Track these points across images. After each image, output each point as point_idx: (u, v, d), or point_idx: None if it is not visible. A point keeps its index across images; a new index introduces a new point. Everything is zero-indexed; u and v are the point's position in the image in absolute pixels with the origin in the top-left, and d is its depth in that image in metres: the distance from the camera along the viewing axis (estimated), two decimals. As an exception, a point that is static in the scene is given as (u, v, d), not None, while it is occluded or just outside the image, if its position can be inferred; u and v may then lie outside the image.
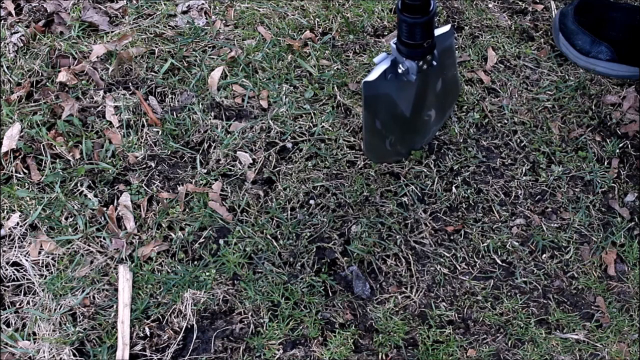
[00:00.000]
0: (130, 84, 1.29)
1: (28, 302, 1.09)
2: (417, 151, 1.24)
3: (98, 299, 1.10)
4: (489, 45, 1.39)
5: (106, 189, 1.18)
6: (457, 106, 1.29)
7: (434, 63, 1.04)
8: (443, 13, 1.42)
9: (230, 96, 1.29)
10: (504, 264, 1.18)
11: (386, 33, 1.39)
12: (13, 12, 1.37)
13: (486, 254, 1.19)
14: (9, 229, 1.14)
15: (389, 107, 1.09)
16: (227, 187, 1.20)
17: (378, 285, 1.15)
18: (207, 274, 1.12)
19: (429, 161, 1.24)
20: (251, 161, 1.22)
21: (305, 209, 1.19)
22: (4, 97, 1.25)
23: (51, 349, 1.05)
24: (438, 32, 1.03)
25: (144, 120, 1.25)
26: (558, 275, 1.19)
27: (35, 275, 1.11)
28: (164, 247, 1.15)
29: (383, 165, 1.23)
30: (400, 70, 1.03)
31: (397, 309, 1.13)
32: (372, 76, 1.02)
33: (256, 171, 1.22)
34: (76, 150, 1.21)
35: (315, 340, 1.10)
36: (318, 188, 1.21)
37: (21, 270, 1.11)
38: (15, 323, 1.08)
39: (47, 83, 1.28)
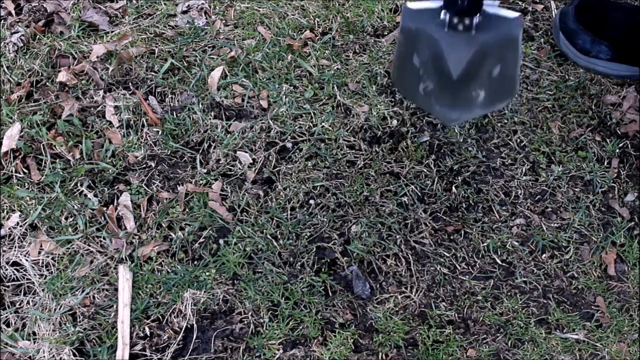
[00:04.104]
0: (130, 83, 1.29)
1: (28, 302, 1.09)
2: (416, 151, 1.24)
3: (98, 298, 1.10)
4: (489, 45, 1.39)
5: (106, 189, 1.18)
6: (457, 106, 1.29)
7: (473, 31, 1.00)
8: (443, 13, 1.42)
9: (230, 96, 1.29)
10: (504, 264, 1.18)
11: (386, 33, 1.39)
12: (13, 12, 1.37)
13: (486, 254, 1.19)
14: (9, 229, 1.14)
15: (434, 53, 1.03)
16: (227, 187, 1.20)
17: (378, 285, 1.15)
18: (207, 273, 1.12)
19: (429, 161, 1.24)
20: (251, 161, 1.22)
21: (305, 208, 1.19)
22: (4, 97, 1.25)
23: (51, 349, 1.05)
24: (499, 11, 1.00)
25: (144, 120, 1.25)
26: (558, 275, 1.19)
27: (35, 275, 1.11)
28: (164, 247, 1.15)
29: (383, 165, 1.23)
30: (440, 17, 1.01)
31: (397, 309, 1.13)
32: (416, 5, 0.99)
33: (256, 171, 1.22)
34: (76, 150, 1.21)
35: (315, 340, 1.10)
36: (318, 188, 1.21)
37: (21, 270, 1.11)
38: (15, 323, 1.08)
39: (47, 83, 1.28)
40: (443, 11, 0.99)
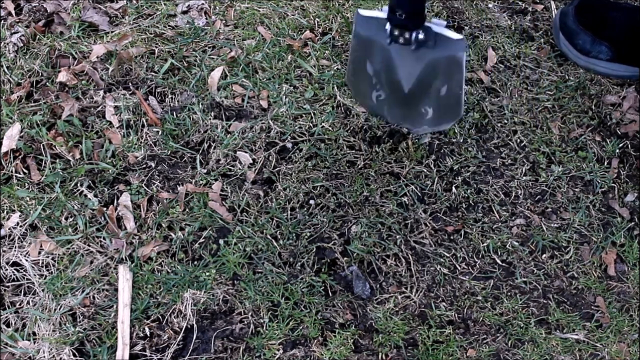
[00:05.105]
0: (130, 84, 1.29)
1: (28, 302, 1.09)
2: (416, 151, 1.24)
3: (98, 299, 1.10)
4: (489, 45, 1.39)
5: (106, 189, 1.18)
6: (457, 106, 1.29)
7: (412, 46, 1.02)
8: (443, 13, 1.42)
9: (230, 96, 1.29)
10: (504, 264, 1.18)
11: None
12: (13, 12, 1.37)
13: (486, 254, 1.19)
14: (9, 229, 1.14)
15: (386, 65, 1.06)
16: (227, 187, 1.20)
17: (378, 285, 1.15)
18: (207, 274, 1.12)
19: (429, 161, 1.24)
20: (251, 161, 1.22)
21: (305, 209, 1.19)
22: (4, 97, 1.25)
23: (51, 349, 1.05)
24: (444, 31, 1.02)
25: (144, 120, 1.25)
26: (558, 275, 1.19)
27: (35, 275, 1.11)
28: (164, 247, 1.15)
29: (383, 165, 1.23)
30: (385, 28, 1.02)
31: (397, 309, 1.13)
32: (367, 12, 1.00)
33: (256, 171, 1.22)
34: (76, 150, 1.21)
35: (315, 340, 1.10)
36: (318, 188, 1.21)
37: (21, 270, 1.11)
38: (15, 323, 1.08)
39: (47, 83, 1.28)
40: (387, 22, 1.00)
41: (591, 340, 1.14)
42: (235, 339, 1.10)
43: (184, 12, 1.40)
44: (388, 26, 1.01)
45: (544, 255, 1.19)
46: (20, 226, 1.14)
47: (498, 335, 1.13)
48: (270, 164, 1.23)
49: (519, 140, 1.29)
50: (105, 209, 1.16)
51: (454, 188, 1.23)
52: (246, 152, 1.23)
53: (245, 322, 1.11)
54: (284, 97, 1.29)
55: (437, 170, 1.24)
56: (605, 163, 1.28)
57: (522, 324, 1.14)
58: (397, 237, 1.18)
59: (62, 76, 1.27)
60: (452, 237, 1.20)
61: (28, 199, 1.16)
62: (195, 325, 1.10)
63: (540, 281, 1.17)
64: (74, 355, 1.06)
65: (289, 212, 1.19)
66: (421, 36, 1.01)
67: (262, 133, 1.25)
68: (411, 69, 1.05)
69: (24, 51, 1.31)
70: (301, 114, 1.27)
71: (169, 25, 1.37)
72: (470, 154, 1.26)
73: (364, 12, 1.01)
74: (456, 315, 1.14)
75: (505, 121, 1.30)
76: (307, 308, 1.12)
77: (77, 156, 1.21)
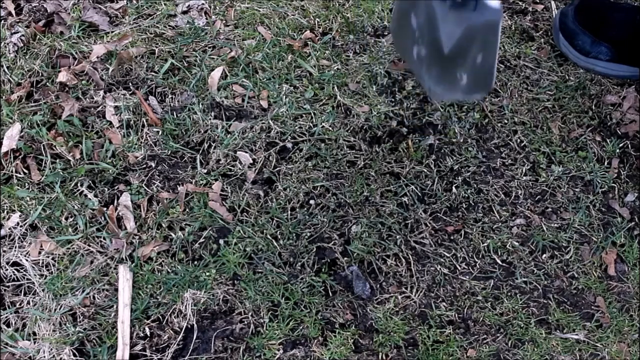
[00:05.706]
0: (130, 84, 1.29)
1: (28, 302, 1.09)
2: (416, 151, 1.24)
3: (98, 299, 1.10)
4: (489, 45, 1.39)
5: (106, 189, 1.18)
6: (457, 106, 1.30)
7: (448, 2, 1.01)
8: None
9: (230, 96, 1.29)
10: (504, 264, 1.18)
11: (386, 33, 1.39)
12: (13, 12, 1.36)
13: (486, 254, 1.19)
14: (9, 229, 1.14)
15: (429, 20, 1.05)
16: (227, 187, 1.20)
17: (378, 285, 1.15)
18: (207, 274, 1.12)
19: (429, 161, 1.24)
20: (251, 161, 1.22)
21: (305, 209, 1.19)
22: (4, 97, 1.25)
23: (51, 349, 1.05)
24: None
25: (144, 120, 1.25)
26: (558, 275, 1.19)
27: (35, 275, 1.11)
28: (164, 247, 1.15)
29: (383, 165, 1.23)
30: None
31: (397, 309, 1.13)
32: None
33: (256, 171, 1.22)
34: (76, 150, 1.21)
35: (315, 340, 1.10)
36: (318, 188, 1.21)
37: (21, 270, 1.11)
38: (15, 323, 1.08)
39: (47, 83, 1.28)
40: None
41: (591, 340, 1.14)
42: (236, 339, 1.10)
43: (184, 12, 1.40)
44: None
45: (544, 255, 1.20)
46: (20, 226, 1.14)
47: (498, 335, 1.13)
48: (271, 164, 1.23)
49: (519, 140, 1.29)
50: (105, 209, 1.16)
51: (454, 188, 1.23)
52: (246, 152, 1.23)
53: (246, 322, 1.11)
54: (284, 97, 1.29)
55: (437, 170, 1.24)
56: (606, 163, 1.28)
57: (522, 324, 1.14)
58: (397, 237, 1.18)
59: (62, 76, 1.27)
60: (452, 237, 1.20)
61: (28, 199, 1.16)
62: (195, 325, 1.10)
63: (541, 281, 1.17)
64: (74, 355, 1.06)
65: (289, 212, 1.19)
66: None
67: (262, 133, 1.25)
68: (452, 30, 1.04)
69: (24, 51, 1.31)
70: (301, 114, 1.27)
71: (169, 25, 1.37)
72: (470, 154, 1.26)
73: None
74: (456, 315, 1.14)
75: (506, 121, 1.30)
76: (307, 308, 1.12)
77: (77, 156, 1.21)
